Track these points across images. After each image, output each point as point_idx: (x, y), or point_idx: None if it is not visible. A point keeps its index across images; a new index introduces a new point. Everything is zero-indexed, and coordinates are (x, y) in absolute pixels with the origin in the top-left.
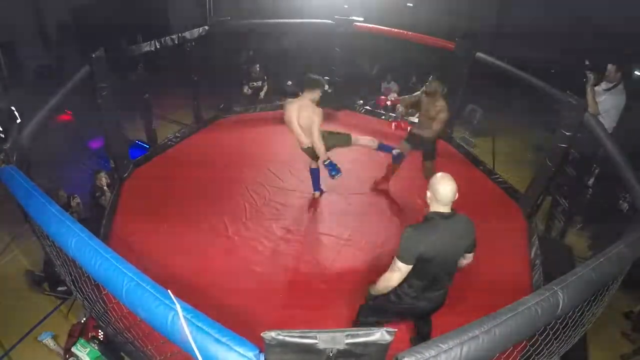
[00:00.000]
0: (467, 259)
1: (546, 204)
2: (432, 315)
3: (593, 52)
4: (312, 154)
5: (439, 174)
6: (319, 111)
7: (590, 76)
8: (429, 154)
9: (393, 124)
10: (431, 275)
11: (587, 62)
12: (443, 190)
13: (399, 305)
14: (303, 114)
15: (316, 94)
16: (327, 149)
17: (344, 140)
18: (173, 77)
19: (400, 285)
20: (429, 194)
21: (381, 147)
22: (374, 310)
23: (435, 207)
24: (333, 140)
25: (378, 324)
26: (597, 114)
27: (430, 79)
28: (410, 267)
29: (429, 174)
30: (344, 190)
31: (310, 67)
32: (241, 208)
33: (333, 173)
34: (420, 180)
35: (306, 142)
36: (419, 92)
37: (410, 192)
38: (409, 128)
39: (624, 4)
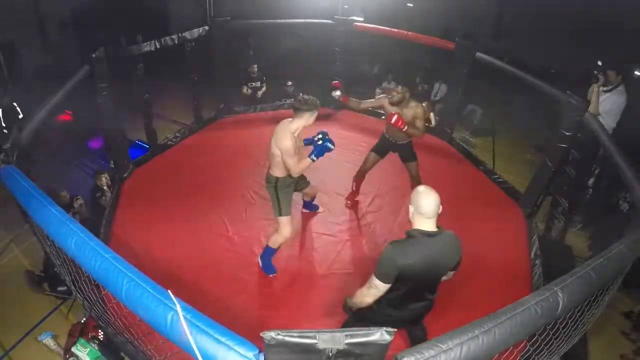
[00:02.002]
0: (448, 276)
1: (546, 204)
2: (431, 316)
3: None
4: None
5: (420, 187)
6: (287, 137)
7: (600, 77)
8: (410, 156)
9: (394, 117)
10: (409, 289)
11: (599, 63)
12: (426, 203)
13: (378, 316)
14: (274, 138)
15: (310, 119)
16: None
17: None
18: (173, 77)
19: (380, 298)
20: (411, 209)
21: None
22: (356, 320)
23: (419, 224)
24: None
25: None
26: (597, 114)
27: (390, 86)
28: (388, 285)
29: (415, 175)
30: (344, 191)
31: (310, 69)
32: (241, 208)
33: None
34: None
35: (272, 171)
36: (374, 100)
37: (409, 191)
38: (404, 128)
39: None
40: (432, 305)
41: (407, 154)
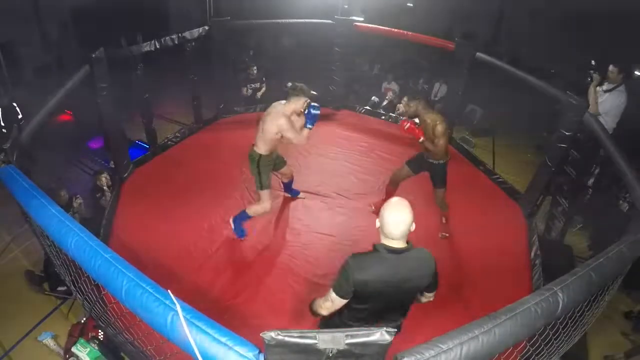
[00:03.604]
0: (427, 298)
1: (546, 204)
2: (430, 316)
3: (594, 51)
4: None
5: (394, 200)
6: (283, 115)
7: (595, 76)
8: (439, 180)
9: (406, 124)
10: (374, 310)
11: (593, 62)
12: (391, 221)
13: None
14: (267, 117)
15: (298, 103)
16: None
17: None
18: (173, 77)
19: (342, 311)
20: (377, 222)
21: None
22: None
23: (384, 240)
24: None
25: None
26: (597, 114)
27: (405, 100)
28: (344, 301)
29: (441, 204)
30: (345, 191)
31: (310, 69)
32: (241, 208)
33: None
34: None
35: (257, 148)
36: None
37: (412, 193)
38: (421, 139)
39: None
40: (400, 329)
41: (436, 177)
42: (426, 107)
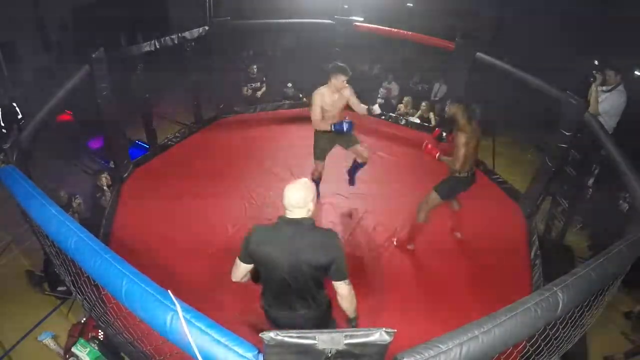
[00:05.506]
0: (340, 290)
1: (546, 204)
2: (430, 316)
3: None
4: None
5: (299, 180)
6: (315, 94)
7: (598, 76)
8: (441, 187)
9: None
10: (273, 286)
11: (596, 62)
12: (287, 193)
13: (267, 314)
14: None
15: (336, 81)
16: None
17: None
18: (173, 77)
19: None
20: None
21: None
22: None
23: (284, 212)
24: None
25: None
26: (597, 114)
27: (448, 103)
28: (245, 265)
29: (422, 210)
30: (345, 191)
31: (310, 69)
32: (241, 208)
33: (344, 129)
34: (420, 178)
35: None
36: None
37: (410, 192)
38: (437, 156)
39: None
40: (315, 320)
41: (443, 183)
42: (465, 114)
